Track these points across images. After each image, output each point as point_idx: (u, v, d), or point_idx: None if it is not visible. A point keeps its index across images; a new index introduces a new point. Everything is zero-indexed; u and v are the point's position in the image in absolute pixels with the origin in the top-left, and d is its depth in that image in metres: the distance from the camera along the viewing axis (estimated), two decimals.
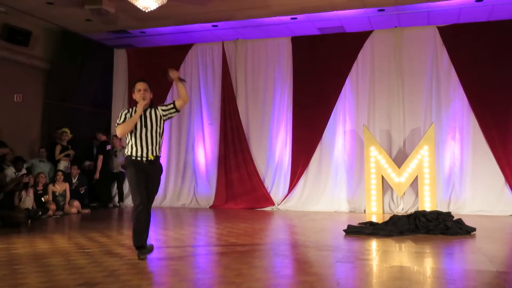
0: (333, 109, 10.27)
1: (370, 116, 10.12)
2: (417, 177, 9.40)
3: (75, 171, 10.18)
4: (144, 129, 5.09)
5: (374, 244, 5.97)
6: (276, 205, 10.38)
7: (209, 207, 10.72)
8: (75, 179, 10.15)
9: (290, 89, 10.64)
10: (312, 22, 9.93)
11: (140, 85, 5.22)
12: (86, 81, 11.68)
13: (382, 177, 9.61)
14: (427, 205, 9.15)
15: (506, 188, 9.20)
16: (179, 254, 5.28)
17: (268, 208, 10.39)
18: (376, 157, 9.60)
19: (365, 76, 10.22)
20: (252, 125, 10.85)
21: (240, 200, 10.60)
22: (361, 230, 6.72)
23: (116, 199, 11.24)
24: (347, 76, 10.24)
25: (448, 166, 9.68)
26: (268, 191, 10.54)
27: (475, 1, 8.66)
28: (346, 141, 10.27)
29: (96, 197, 10.91)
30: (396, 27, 10.06)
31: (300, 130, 10.45)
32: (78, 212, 9.64)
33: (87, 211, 9.87)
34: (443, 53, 9.76)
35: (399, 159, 9.67)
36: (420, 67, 9.90)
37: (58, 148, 10.45)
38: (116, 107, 11.84)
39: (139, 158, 5.04)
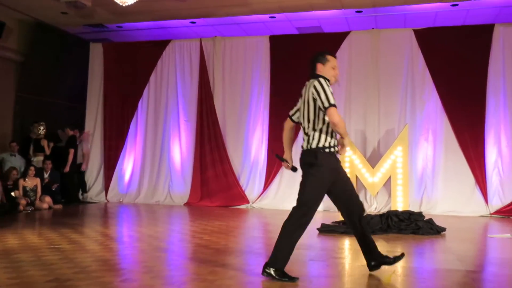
0: None
1: (346, 116, 10.20)
2: (390, 177, 9.53)
3: (48, 166, 10.01)
4: None
5: (347, 243, 6.03)
6: (251, 203, 10.40)
7: (184, 204, 10.68)
8: (47, 174, 9.98)
9: (267, 88, 10.66)
10: (290, 22, 9.97)
11: (335, 62, 4.18)
12: (61, 75, 11.49)
13: (356, 176, 9.71)
14: (400, 205, 9.28)
15: (476, 189, 9.41)
16: (152, 251, 5.24)
17: (243, 206, 10.40)
18: (351, 157, 9.69)
19: (342, 77, 10.28)
20: (229, 123, 10.84)
21: (215, 197, 10.58)
22: (335, 229, 6.79)
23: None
24: None
25: (421, 167, 9.84)
26: (243, 189, 10.56)
27: (451, 5, 8.81)
28: None
29: (64, 191, 10.69)
30: (373, 28, 10.18)
31: (277, 129, 10.44)
32: (50, 207, 9.48)
33: (59, 206, 9.71)
34: (418, 56, 9.91)
35: (373, 159, 9.79)
36: (396, 69, 10.03)
37: (46, 143, 10.34)
38: (91, 101, 11.71)
39: (333, 149, 4.11)
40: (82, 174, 11.05)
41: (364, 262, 4.31)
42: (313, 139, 4.15)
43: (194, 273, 4.30)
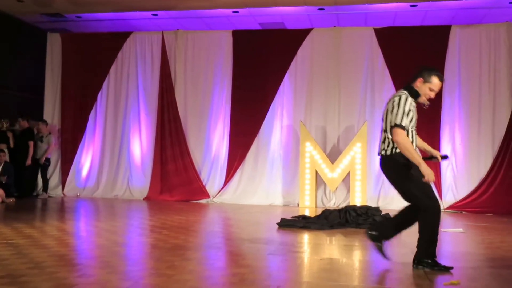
0: (271, 104, 10.39)
1: (307, 113, 10.32)
2: (349, 173, 9.70)
3: (1, 157, 9.69)
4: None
5: (306, 237, 6.10)
6: (211, 197, 10.38)
7: (143, 199, 10.56)
8: (0, 166, 9.66)
9: (229, 83, 10.65)
10: (253, 17, 9.97)
11: (439, 87, 4.21)
12: (17, 65, 11.11)
13: (316, 172, 9.84)
14: (358, 200, 9.47)
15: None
16: (110, 245, 5.16)
17: (203, 201, 10.37)
18: (311, 153, 9.81)
19: (304, 73, 10.41)
20: (190, 117, 10.77)
21: (175, 192, 10.51)
22: (294, 224, 6.86)
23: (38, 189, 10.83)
24: (286, 72, 10.38)
25: (379, 163, 10.02)
26: (204, 183, 10.52)
27: (410, 5, 9.01)
28: (282, 136, 10.42)
29: (20, 185, 10.35)
30: (335, 26, 10.30)
31: (238, 123, 10.49)
32: (2, 201, 9.18)
33: (11, 200, 9.42)
34: (378, 54, 10.11)
35: (333, 155, 9.94)
36: (356, 67, 10.20)
37: (11, 135, 10.03)
38: (48, 93, 11.40)
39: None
40: (44, 171, 10.62)
41: (323, 255, 4.37)
42: (388, 145, 4.25)
43: (152, 268, 4.27)
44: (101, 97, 11.20)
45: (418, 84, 4.21)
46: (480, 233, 6.72)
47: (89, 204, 9.61)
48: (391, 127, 4.11)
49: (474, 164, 9.66)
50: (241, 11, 9.65)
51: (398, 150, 4.15)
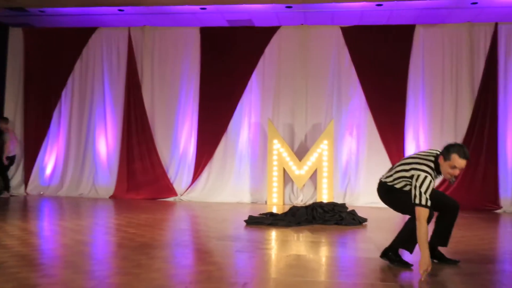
0: (239, 101, 10.39)
1: (275, 110, 10.37)
2: (316, 170, 9.79)
3: None
4: None
5: (273, 234, 6.14)
6: (179, 195, 10.32)
7: (109, 197, 10.40)
8: None
9: (197, 80, 10.59)
10: (221, 14, 9.94)
11: (462, 165, 4.03)
12: None
13: (284, 169, 9.89)
14: (325, 197, 9.57)
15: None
16: (74, 245, 5.06)
17: (171, 199, 10.29)
18: (279, 150, 9.85)
19: (271, 71, 10.44)
20: (157, 114, 10.67)
21: (142, 190, 10.39)
22: (261, 221, 6.89)
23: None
24: (253, 70, 10.40)
25: (345, 160, 10.19)
26: (171, 181, 10.44)
27: (376, 5, 9.14)
28: (250, 133, 10.44)
29: None
30: (302, 24, 10.37)
31: (206, 121, 10.45)
32: None
33: None
34: (345, 53, 10.23)
35: (301, 153, 10.01)
36: (323, 65, 10.29)
37: None
38: (10, 89, 11.10)
39: None
40: (4, 170, 10.31)
41: (290, 252, 4.40)
42: (397, 181, 4.35)
43: (118, 267, 4.21)
44: (66, 94, 10.97)
45: (441, 162, 4.12)
46: None
47: (53, 203, 9.41)
48: (414, 204, 4.05)
49: None
50: (209, 8, 9.60)
51: (400, 187, 4.34)
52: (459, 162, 3.99)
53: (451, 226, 4.45)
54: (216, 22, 10.44)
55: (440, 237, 4.48)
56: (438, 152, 4.22)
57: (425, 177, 4.04)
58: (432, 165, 4.13)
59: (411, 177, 4.12)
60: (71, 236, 5.59)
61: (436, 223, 4.51)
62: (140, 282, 3.60)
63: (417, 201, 4.00)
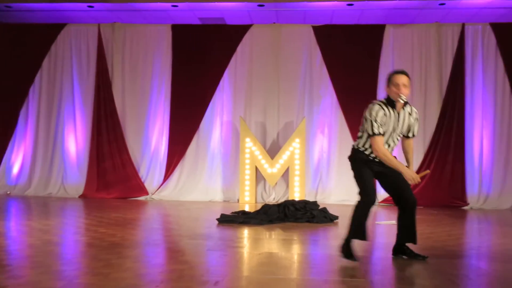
0: (211, 100, 10.36)
1: (247, 109, 10.37)
2: (288, 168, 9.84)
3: None
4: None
5: (245, 232, 6.14)
6: (150, 194, 10.23)
7: (79, 197, 10.23)
8: None
9: (168, 78, 10.51)
10: (193, 11, 9.88)
11: (402, 79, 4.29)
12: None
13: (256, 167, 9.91)
14: (297, 195, 9.63)
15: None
16: (42, 245, 4.96)
17: (142, 198, 10.20)
18: (251, 148, 9.87)
19: (243, 69, 10.44)
20: (128, 112, 10.54)
21: (112, 189, 10.26)
22: (234, 219, 6.88)
23: None
24: (226, 68, 10.38)
25: (317, 158, 10.28)
26: (143, 180, 10.35)
27: (347, 4, 9.23)
28: (222, 132, 10.42)
29: None
30: (274, 23, 10.39)
31: (178, 119, 10.38)
32: None
33: None
34: (316, 52, 10.30)
35: (273, 151, 10.05)
36: (295, 64, 10.35)
37: None
38: None
39: (371, 157, 4.40)
40: None
41: (262, 250, 4.41)
42: (360, 140, 4.48)
43: (87, 266, 4.15)
44: (33, 91, 10.74)
45: (387, 91, 4.41)
46: None
47: (20, 203, 9.20)
48: (368, 136, 4.33)
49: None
50: (181, 5, 9.53)
51: (357, 148, 4.46)
52: (398, 77, 4.30)
53: (413, 222, 4.54)
54: (188, 20, 10.38)
55: (407, 234, 4.56)
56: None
57: (373, 105, 4.32)
58: (382, 100, 4.39)
59: (365, 119, 4.35)
60: (39, 236, 5.48)
61: (399, 220, 4.59)
62: (110, 282, 3.55)
63: (370, 132, 4.25)
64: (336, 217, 7.20)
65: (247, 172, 9.88)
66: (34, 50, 10.64)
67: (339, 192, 9.92)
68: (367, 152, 4.40)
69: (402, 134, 4.46)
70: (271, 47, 10.38)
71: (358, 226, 4.40)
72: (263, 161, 9.86)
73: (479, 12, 9.50)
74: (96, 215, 7.43)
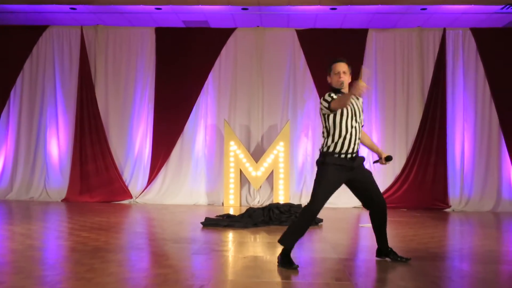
0: (195, 103, 10.34)
1: (231, 112, 10.37)
2: (273, 171, 9.86)
3: None
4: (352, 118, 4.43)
5: (230, 236, 6.13)
6: (134, 198, 10.16)
7: (61, 201, 10.12)
8: None
9: (152, 81, 10.47)
10: (177, 14, 9.85)
11: (341, 66, 4.53)
12: None
13: (240, 171, 9.91)
14: (281, 198, 9.65)
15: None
16: (24, 250, 4.90)
17: (126, 201, 10.12)
18: (235, 152, 9.86)
19: (228, 73, 10.45)
20: (112, 115, 10.46)
21: (96, 193, 10.16)
22: (218, 222, 6.87)
23: None
24: (210, 71, 10.37)
25: (301, 161, 10.31)
26: (126, 183, 10.27)
27: (330, 8, 9.30)
28: (207, 135, 10.41)
29: None
30: (258, 26, 10.42)
31: (162, 122, 10.34)
32: None
33: None
34: (300, 55, 10.35)
35: (257, 154, 10.06)
36: (279, 67, 10.39)
37: None
38: None
39: (343, 155, 4.37)
40: None
41: (247, 253, 4.41)
42: (324, 142, 4.50)
43: (70, 271, 4.11)
44: (15, 94, 10.60)
45: (329, 80, 4.60)
46: (394, 228, 7.07)
47: (1, 207, 9.06)
48: (328, 113, 4.41)
49: (389, 163, 10.12)
50: (164, 8, 9.50)
51: (327, 150, 4.42)
52: (337, 65, 4.53)
53: (384, 225, 4.60)
54: (172, 23, 10.35)
55: (383, 236, 4.63)
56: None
57: (324, 95, 4.46)
58: (329, 93, 4.49)
59: (323, 115, 4.48)
60: (21, 241, 5.41)
61: (372, 223, 4.65)
62: (93, 287, 3.52)
63: (325, 105, 4.37)
64: (321, 220, 7.23)
65: (232, 175, 9.87)
66: (16, 52, 10.50)
67: None
68: (337, 150, 4.38)
69: (361, 124, 4.54)
70: (255, 50, 10.41)
71: (298, 234, 4.42)
72: (247, 164, 9.86)
73: (459, 17, 9.64)
74: (79, 219, 7.36)
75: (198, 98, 10.35)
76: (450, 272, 4.39)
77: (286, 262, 4.30)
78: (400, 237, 6.21)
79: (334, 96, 4.40)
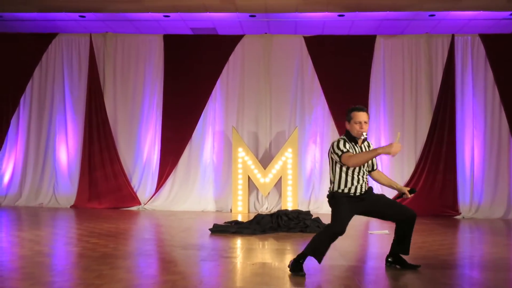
0: (203, 110, 10.36)
1: (239, 118, 10.38)
2: (281, 178, 9.84)
3: None
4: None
5: (238, 242, 6.12)
6: (143, 204, 10.17)
7: (70, 207, 10.16)
8: None
9: (160, 88, 10.51)
10: (185, 22, 9.91)
11: (363, 117, 4.45)
12: None
13: (249, 177, 9.90)
14: (290, 205, 9.62)
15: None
16: (33, 256, 4.92)
17: (134, 208, 10.14)
18: (244, 158, 9.86)
19: (235, 79, 10.47)
20: (120, 122, 10.51)
21: (104, 199, 10.19)
22: (226, 229, 6.86)
23: None
24: (218, 78, 10.39)
25: (309, 168, 10.29)
26: (135, 190, 10.29)
27: (338, 15, 9.30)
28: (215, 142, 10.41)
29: None
30: (266, 33, 10.45)
31: (170, 129, 10.37)
32: None
33: None
34: (308, 62, 10.35)
35: (265, 161, 10.05)
36: (287, 74, 10.39)
37: None
38: None
39: (351, 195, 4.47)
40: None
41: (255, 260, 4.40)
42: (333, 184, 4.53)
43: (79, 278, 4.11)
44: (24, 101, 10.68)
45: (347, 127, 4.54)
46: None
47: (11, 213, 9.11)
48: (340, 162, 4.40)
49: (398, 169, 10.11)
50: (172, 15, 9.56)
51: (339, 190, 4.45)
52: (360, 115, 4.44)
53: (409, 235, 4.58)
54: (180, 30, 10.40)
55: (400, 245, 4.60)
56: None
57: (337, 140, 4.47)
58: (343, 137, 4.51)
59: (332, 159, 4.48)
60: (30, 247, 5.43)
61: (396, 232, 4.62)
62: None
63: (339, 154, 4.34)
64: None
65: (240, 182, 9.87)
66: (25, 60, 10.60)
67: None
68: (346, 191, 4.44)
69: (368, 169, 4.57)
70: (263, 57, 10.43)
71: (319, 247, 4.41)
72: (255, 171, 9.85)
73: (468, 23, 9.61)
74: (87, 225, 7.38)
75: (206, 105, 10.38)
76: (460, 279, 4.35)
77: (296, 268, 4.31)
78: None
79: (347, 147, 4.40)
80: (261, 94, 10.37)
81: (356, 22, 9.68)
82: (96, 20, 9.95)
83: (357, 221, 8.74)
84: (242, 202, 9.85)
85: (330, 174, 4.57)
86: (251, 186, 10.05)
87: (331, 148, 4.46)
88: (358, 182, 4.45)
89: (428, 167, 9.95)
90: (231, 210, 9.94)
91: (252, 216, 7.71)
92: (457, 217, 9.71)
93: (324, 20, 9.63)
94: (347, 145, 4.40)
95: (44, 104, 10.64)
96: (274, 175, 9.83)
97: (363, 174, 4.49)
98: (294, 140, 9.83)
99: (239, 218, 8.55)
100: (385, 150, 4.20)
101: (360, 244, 6.48)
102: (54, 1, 9.05)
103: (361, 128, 4.42)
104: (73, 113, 10.59)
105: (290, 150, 9.79)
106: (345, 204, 4.41)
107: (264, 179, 9.83)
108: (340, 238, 6.09)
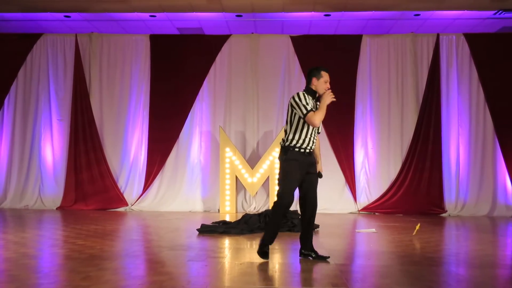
0: (190, 110, 10.34)
1: (226, 118, 10.37)
2: (268, 177, 9.85)
3: None
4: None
5: (226, 242, 6.11)
6: (130, 205, 10.12)
7: (56, 208, 10.07)
8: None
9: (147, 88, 10.46)
10: (171, 21, 9.87)
11: (328, 76, 4.86)
12: None
13: (236, 177, 9.89)
14: None
15: (346, 188, 10.08)
16: (18, 258, 4.86)
17: (121, 209, 10.08)
18: (231, 158, 9.85)
19: (223, 79, 10.45)
20: (107, 122, 10.44)
21: (91, 200, 10.12)
22: (214, 229, 6.84)
23: None
24: (205, 78, 10.38)
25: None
26: (122, 191, 10.23)
27: (324, 15, 9.34)
28: (202, 142, 10.39)
29: None
30: (252, 33, 10.45)
31: (157, 129, 10.32)
32: None
33: None
34: (295, 61, 10.38)
35: (252, 160, 10.05)
36: (274, 73, 10.40)
37: None
38: None
39: (302, 150, 4.73)
40: None
41: (243, 260, 4.39)
42: (287, 137, 4.81)
43: (65, 280, 4.07)
44: (9, 102, 10.57)
45: (315, 83, 4.83)
46: (391, 233, 7.07)
47: None
48: (303, 119, 4.67)
49: (385, 168, 10.17)
50: (159, 15, 9.52)
51: (292, 144, 4.73)
52: (327, 74, 4.88)
53: (310, 226, 4.96)
54: (166, 30, 10.36)
55: (305, 238, 4.96)
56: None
57: (298, 93, 4.75)
58: (303, 92, 4.80)
59: (292, 111, 4.74)
60: (15, 249, 5.36)
61: (300, 221, 5.07)
62: None
63: (303, 112, 4.61)
64: (317, 226, 7.22)
65: (228, 182, 9.86)
66: (10, 60, 10.49)
67: (319, 200, 9.81)
68: (298, 144, 4.71)
69: (317, 131, 4.89)
70: (249, 57, 10.43)
71: (276, 230, 4.85)
72: (243, 171, 9.85)
73: (453, 22, 9.71)
74: (74, 227, 7.32)
75: (193, 105, 10.35)
76: (446, 276, 4.39)
77: (261, 252, 4.83)
78: (396, 242, 6.21)
79: (310, 102, 4.68)
80: (248, 94, 10.37)
81: (342, 21, 9.73)
82: (82, 20, 9.87)
83: (344, 220, 8.79)
84: (230, 202, 9.84)
85: (286, 126, 4.81)
86: (239, 186, 10.05)
87: (293, 100, 4.69)
88: (309, 139, 4.74)
89: (414, 165, 10.02)
90: (219, 210, 9.93)
91: (240, 216, 7.71)
92: (443, 214, 9.81)
93: (310, 19, 9.66)
94: (310, 102, 4.67)
95: (29, 105, 10.54)
96: (261, 174, 9.83)
97: (315, 134, 4.81)
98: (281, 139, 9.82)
99: (227, 218, 8.54)
100: (325, 101, 4.66)
101: (348, 242, 6.51)
102: (38, 1, 8.96)
103: (328, 86, 4.79)
104: (59, 114, 10.50)
105: (277, 149, 9.79)
106: (294, 172, 4.68)
107: (252, 178, 9.83)
108: (328, 237, 6.12)
